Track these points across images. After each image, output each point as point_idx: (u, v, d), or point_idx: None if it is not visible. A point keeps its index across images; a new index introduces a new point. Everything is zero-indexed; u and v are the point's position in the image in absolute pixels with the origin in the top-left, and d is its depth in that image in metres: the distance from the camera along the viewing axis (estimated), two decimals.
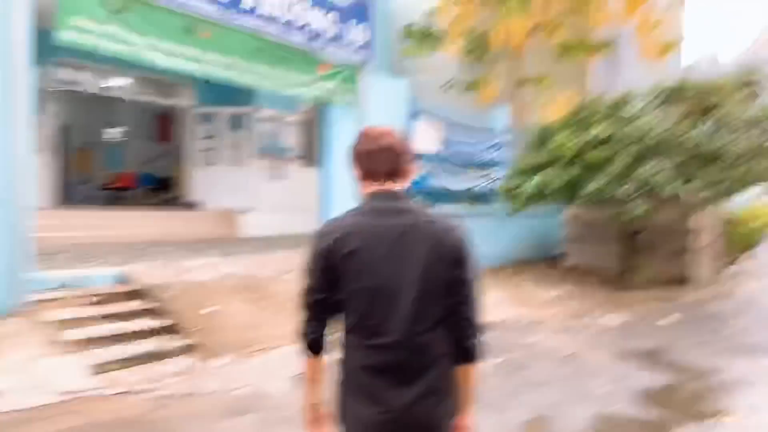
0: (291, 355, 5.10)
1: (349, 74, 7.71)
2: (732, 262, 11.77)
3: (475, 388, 1.74)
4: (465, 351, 1.70)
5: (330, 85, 7.48)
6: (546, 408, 4.12)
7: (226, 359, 4.86)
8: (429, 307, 1.64)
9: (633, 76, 10.54)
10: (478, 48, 10.68)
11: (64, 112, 14.43)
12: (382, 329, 1.63)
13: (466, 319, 1.69)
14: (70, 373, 4.20)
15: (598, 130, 7.71)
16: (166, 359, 4.76)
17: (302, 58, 7.16)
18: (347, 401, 1.70)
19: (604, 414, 4.04)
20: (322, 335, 1.74)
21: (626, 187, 7.48)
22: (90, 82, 10.60)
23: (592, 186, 7.60)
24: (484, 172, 10.05)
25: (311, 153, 11.71)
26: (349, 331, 1.69)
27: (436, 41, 9.79)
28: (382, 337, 1.63)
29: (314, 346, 1.74)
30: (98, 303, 5.29)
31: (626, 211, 7.99)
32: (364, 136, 1.75)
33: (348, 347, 1.70)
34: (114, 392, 4.10)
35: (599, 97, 8.61)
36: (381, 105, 7.72)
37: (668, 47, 9.31)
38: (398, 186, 1.71)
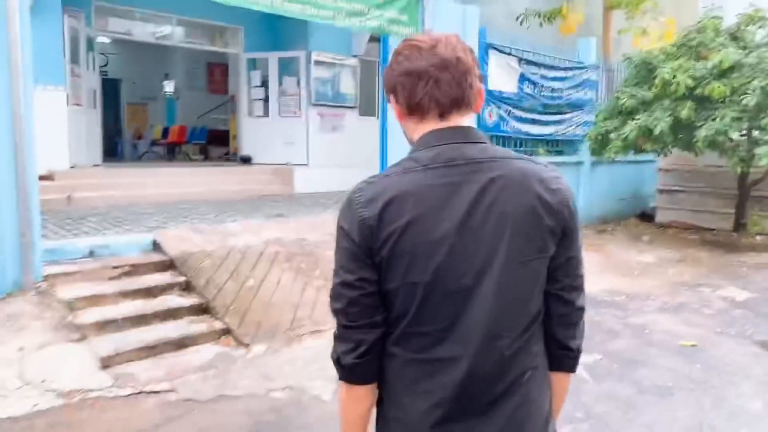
0: None
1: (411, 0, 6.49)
2: None
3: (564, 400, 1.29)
4: (568, 355, 1.24)
5: (389, 13, 6.30)
6: None
7: (264, 346, 4.03)
8: (521, 302, 1.14)
9: None
10: None
11: (113, 65, 14.03)
12: (446, 337, 1.12)
13: (579, 309, 1.22)
14: (76, 367, 3.49)
15: (719, 59, 6.18)
16: (194, 346, 3.99)
17: None
18: None
19: None
20: (371, 352, 1.16)
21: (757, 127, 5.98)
22: (137, 29, 9.85)
23: (711, 127, 6.15)
24: (569, 115, 8.65)
25: (371, 101, 10.63)
26: (394, 342, 1.16)
27: None
28: (444, 348, 1.13)
29: (359, 370, 1.17)
30: (121, 276, 4.58)
31: (748, 158, 6.51)
32: (410, 49, 1.17)
33: (392, 364, 1.17)
34: (126, 393, 3.35)
35: (716, 18, 6.96)
36: None
37: None
38: (467, 120, 1.20)
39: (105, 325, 3.92)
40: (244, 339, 4.09)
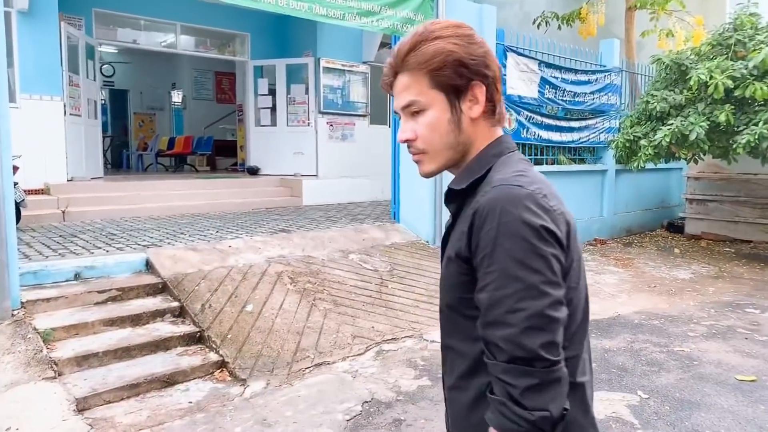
0: (349, 378, 3.68)
1: None
2: None
3: None
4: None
5: (403, 12, 5.87)
6: None
7: (263, 382, 3.58)
8: None
9: None
10: None
11: (120, 75, 13.78)
12: (585, 358, 1.04)
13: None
14: (47, 411, 3.06)
15: (761, 57, 5.66)
16: (184, 383, 3.55)
17: None
18: None
19: None
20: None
21: None
22: (142, 37, 9.55)
23: (753, 132, 5.62)
24: (592, 121, 8.15)
25: (382, 109, 10.22)
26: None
27: None
28: (585, 370, 1.03)
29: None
30: (107, 301, 4.16)
31: None
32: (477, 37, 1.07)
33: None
34: None
35: (754, 14, 6.45)
36: None
37: None
38: None
39: (84, 360, 3.50)
40: (240, 374, 3.64)
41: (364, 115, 10.04)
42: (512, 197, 0.94)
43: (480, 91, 1.04)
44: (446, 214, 1.18)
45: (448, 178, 1.10)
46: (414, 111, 1.05)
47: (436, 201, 6.33)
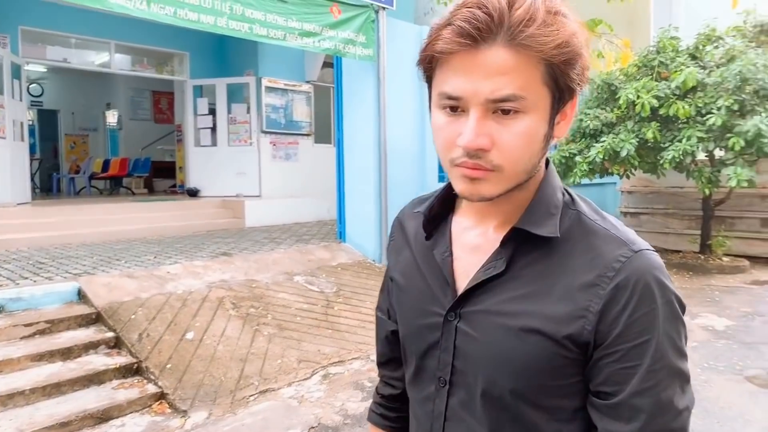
0: (295, 404, 3.56)
1: (368, 18, 6.12)
2: None
3: None
4: None
5: (344, 33, 5.90)
6: None
7: (205, 413, 3.44)
8: None
9: (696, 14, 8.75)
10: None
11: (49, 95, 13.21)
12: None
13: None
14: None
15: (682, 78, 6.02)
16: (120, 418, 3.37)
17: None
18: None
19: None
20: None
21: (723, 147, 5.82)
22: (73, 56, 9.20)
23: (677, 148, 5.95)
24: None
25: (326, 128, 10.21)
26: None
27: None
28: None
29: None
30: (35, 335, 3.92)
31: (714, 179, 6.34)
32: None
33: None
34: None
35: (675, 38, 6.87)
36: (406, 60, 6.14)
37: None
38: None
39: (9, 398, 3.26)
40: (181, 405, 3.50)
41: (308, 134, 10.00)
42: (660, 266, 0.76)
43: (573, 107, 0.78)
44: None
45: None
46: (506, 109, 0.71)
47: (381, 218, 6.34)
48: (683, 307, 0.77)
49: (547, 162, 0.84)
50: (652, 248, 0.78)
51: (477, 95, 0.70)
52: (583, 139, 6.86)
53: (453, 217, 0.91)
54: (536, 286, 0.78)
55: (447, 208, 0.91)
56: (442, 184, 0.93)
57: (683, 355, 0.76)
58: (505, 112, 0.71)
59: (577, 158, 6.71)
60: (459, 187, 0.77)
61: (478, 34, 0.68)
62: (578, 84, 0.74)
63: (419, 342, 0.88)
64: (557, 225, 0.79)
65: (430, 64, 0.76)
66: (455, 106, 0.73)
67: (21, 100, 7.91)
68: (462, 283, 0.84)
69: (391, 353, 1.06)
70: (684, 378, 0.76)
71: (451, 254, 0.86)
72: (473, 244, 0.85)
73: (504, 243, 0.80)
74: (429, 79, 0.78)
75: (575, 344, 0.75)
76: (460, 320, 0.82)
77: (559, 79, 0.72)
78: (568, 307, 0.75)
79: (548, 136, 0.75)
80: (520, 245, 0.79)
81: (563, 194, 0.83)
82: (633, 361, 0.73)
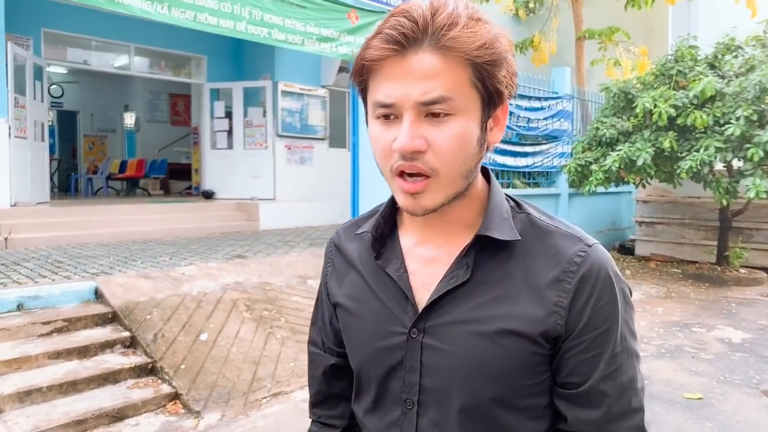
0: (305, 407, 3.71)
1: None
2: None
3: None
4: None
5: (362, 38, 5.92)
6: None
7: (218, 414, 3.47)
8: None
9: (714, 24, 8.69)
10: None
11: (69, 96, 13.41)
12: None
13: None
14: None
15: (701, 88, 5.97)
16: (135, 417, 3.41)
17: (328, 2, 5.61)
18: None
19: None
20: None
21: (741, 157, 5.76)
22: (93, 58, 9.34)
23: (695, 158, 5.90)
24: (545, 146, 8.39)
25: (341, 132, 10.26)
26: None
27: None
28: None
29: None
30: (52, 333, 3.97)
31: (732, 189, 6.27)
32: None
33: None
34: None
35: (693, 47, 6.82)
36: None
37: None
38: None
39: (27, 395, 3.31)
40: (194, 405, 3.52)
41: (323, 139, 10.05)
42: (610, 258, 0.81)
43: (505, 113, 0.80)
44: None
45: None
46: (436, 112, 0.73)
47: None
48: (631, 293, 0.82)
49: (487, 172, 0.87)
50: (595, 240, 0.82)
51: (408, 99, 0.72)
52: (599, 148, 6.83)
53: (399, 233, 0.90)
54: (502, 289, 0.79)
55: (392, 226, 0.91)
56: None
57: (636, 337, 0.82)
58: (436, 114, 0.73)
59: (593, 166, 6.67)
60: (402, 202, 0.79)
61: (404, 39, 0.71)
62: (506, 87, 0.76)
63: (378, 366, 0.85)
64: (514, 228, 0.81)
65: (362, 77, 0.78)
66: (389, 114, 0.75)
67: (42, 101, 8.04)
68: (422, 298, 0.82)
69: (329, 390, 1.01)
70: (638, 358, 0.82)
71: (405, 270, 0.85)
72: (428, 256, 0.85)
73: (467, 251, 0.81)
74: (363, 92, 0.80)
75: (548, 340, 0.77)
76: (425, 335, 0.81)
77: (487, 81, 0.74)
78: (539, 304, 0.77)
79: (482, 140, 0.77)
80: (481, 252, 0.80)
81: (508, 200, 0.86)
82: (598, 349, 0.77)
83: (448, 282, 0.80)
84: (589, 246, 0.79)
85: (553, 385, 0.80)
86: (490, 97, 0.76)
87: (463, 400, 0.79)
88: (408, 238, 0.88)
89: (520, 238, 0.80)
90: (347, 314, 0.92)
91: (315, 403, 1.05)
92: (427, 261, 0.85)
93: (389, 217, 0.91)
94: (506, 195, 0.86)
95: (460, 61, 0.72)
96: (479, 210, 0.84)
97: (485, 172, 0.87)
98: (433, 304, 0.81)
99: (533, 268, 0.79)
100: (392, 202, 0.90)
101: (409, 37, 0.71)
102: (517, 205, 0.86)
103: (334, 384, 1.00)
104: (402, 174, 0.76)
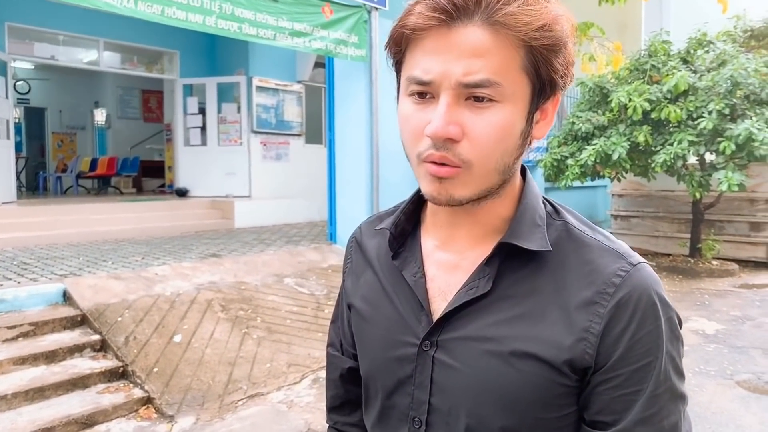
0: (284, 408, 3.50)
1: (360, 19, 6.08)
2: None
3: None
4: None
5: (336, 33, 5.85)
6: None
7: (192, 418, 3.38)
8: None
9: (686, 19, 8.80)
10: None
11: (36, 92, 13.04)
12: None
13: None
14: None
15: (674, 82, 6.03)
16: (105, 423, 3.30)
17: None
18: None
19: None
20: None
21: (713, 151, 5.84)
22: (61, 54, 9.08)
23: (669, 151, 5.96)
24: None
25: (317, 128, 10.16)
26: None
27: None
28: None
29: None
30: (18, 337, 3.83)
31: (705, 182, 6.36)
32: None
33: None
34: None
35: (666, 42, 6.89)
36: None
37: None
38: None
39: None
40: (168, 410, 3.43)
41: (299, 135, 9.94)
42: (659, 280, 0.71)
43: (555, 106, 0.72)
44: None
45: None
46: (480, 96, 0.64)
47: None
48: (681, 324, 0.72)
49: (525, 170, 0.78)
50: (647, 261, 0.73)
51: (448, 78, 0.63)
52: (575, 142, 6.86)
53: (421, 232, 0.81)
54: (527, 306, 0.70)
55: (414, 224, 0.82)
56: None
57: (683, 377, 0.71)
58: (479, 99, 0.64)
59: (569, 161, 6.70)
60: (426, 187, 0.69)
61: (453, 9, 0.62)
62: (561, 77, 0.68)
63: (387, 378, 0.78)
64: (546, 237, 0.71)
65: (399, 47, 0.69)
66: (424, 92, 0.66)
67: (7, 97, 7.79)
68: (438, 307, 0.74)
69: (346, 395, 0.94)
70: (685, 402, 0.71)
71: (424, 275, 0.77)
72: (449, 262, 0.76)
73: (489, 259, 0.72)
74: (398, 65, 0.72)
75: (574, 370, 0.67)
76: (438, 349, 0.73)
77: (541, 68, 0.65)
78: (566, 328, 0.67)
79: (525, 134, 0.69)
80: (506, 261, 0.71)
81: (545, 204, 0.77)
82: (635, 386, 0.67)
83: (467, 292, 0.72)
84: (633, 265, 0.69)
85: (580, 422, 0.71)
86: (542, 87, 0.67)
87: (470, 426, 0.70)
88: (430, 238, 0.80)
89: (550, 248, 0.71)
90: (359, 317, 0.85)
91: (331, 408, 0.97)
92: (447, 267, 0.76)
93: (411, 213, 0.82)
94: (544, 198, 0.78)
95: (514, 42, 0.63)
96: (514, 213, 0.75)
97: (522, 170, 0.77)
98: (449, 316, 0.73)
99: (564, 286, 0.69)
100: (416, 198, 0.82)
101: (459, 7, 0.62)
102: (555, 211, 0.77)
103: (351, 389, 0.92)
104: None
